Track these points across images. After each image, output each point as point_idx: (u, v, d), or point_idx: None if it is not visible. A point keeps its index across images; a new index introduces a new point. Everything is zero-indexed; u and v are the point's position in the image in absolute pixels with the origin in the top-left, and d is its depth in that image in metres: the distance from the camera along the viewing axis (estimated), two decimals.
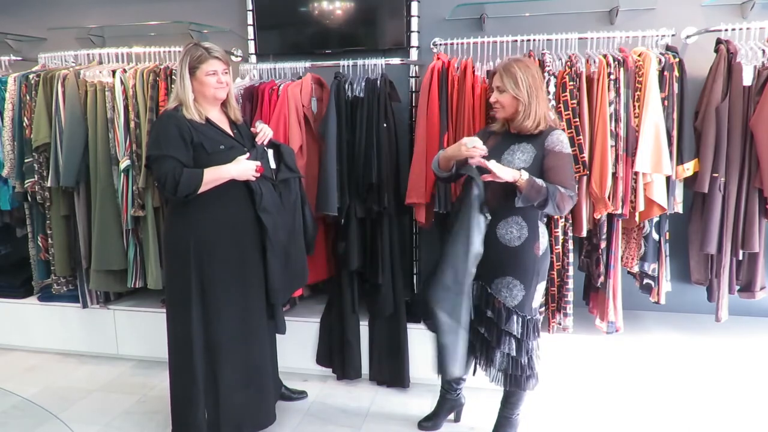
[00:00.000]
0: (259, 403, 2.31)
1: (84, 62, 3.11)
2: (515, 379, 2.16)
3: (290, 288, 2.42)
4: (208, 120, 2.17)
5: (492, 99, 2.14)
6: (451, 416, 2.56)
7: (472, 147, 2.00)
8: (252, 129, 2.32)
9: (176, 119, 2.11)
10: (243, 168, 2.13)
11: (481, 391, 2.63)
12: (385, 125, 2.65)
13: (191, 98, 2.13)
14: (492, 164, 1.96)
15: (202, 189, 2.07)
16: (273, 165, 2.30)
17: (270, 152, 2.28)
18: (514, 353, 2.11)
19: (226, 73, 2.19)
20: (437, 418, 2.52)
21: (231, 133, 2.23)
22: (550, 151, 2.05)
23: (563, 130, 2.38)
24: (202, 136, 2.12)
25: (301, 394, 2.80)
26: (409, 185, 2.67)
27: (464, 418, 2.56)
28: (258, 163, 2.17)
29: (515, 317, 2.10)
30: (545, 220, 2.18)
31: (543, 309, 2.65)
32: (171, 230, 2.24)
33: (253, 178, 2.15)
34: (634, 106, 2.44)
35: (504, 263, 2.10)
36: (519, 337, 2.10)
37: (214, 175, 2.09)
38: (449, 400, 2.52)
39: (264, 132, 2.29)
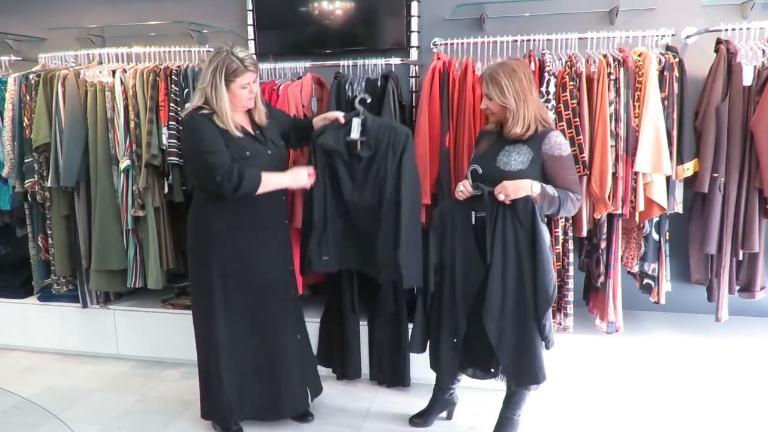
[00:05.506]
0: (278, 394, 2.37)
1: (84, 62, 3.11)
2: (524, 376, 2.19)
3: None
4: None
5: (482, 106, 2.20)
6: (443, 414, 2.58)
7: (459, 192, 2.13)
8: (335, 118, 2.33)
9: (211, 121, 2.12)
10: (296, 175, 2.21)
11: (481, 391, 2.63)
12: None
13: (228, 109, 2.12)
14: (503, 189, 2.01)
15: (259, 191, 2.11)
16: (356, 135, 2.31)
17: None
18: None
19: (255, 81, 2.19)
20: (428, 415, 2.53)
21: (253, 133, 2.24)
22: (551, 156, 2.07)
23: (563, 130, 2.40)
24: (230, 141, 2.13)
25: (307, 416, 2.59)
26: None
27: (464, 418, 2.56)
28: (311, 168, 2.27)
29: None
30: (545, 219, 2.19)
31: None
32: (195, 222, 2.29)
33: (308, 186, 2.24)
34: (634, 106, 2.44)
35: None
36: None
37: (269, 180, 2.13)
38: (442, 399, 2.52)
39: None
